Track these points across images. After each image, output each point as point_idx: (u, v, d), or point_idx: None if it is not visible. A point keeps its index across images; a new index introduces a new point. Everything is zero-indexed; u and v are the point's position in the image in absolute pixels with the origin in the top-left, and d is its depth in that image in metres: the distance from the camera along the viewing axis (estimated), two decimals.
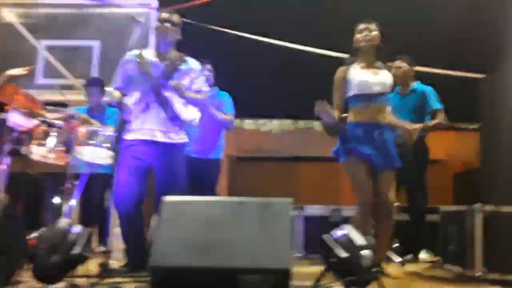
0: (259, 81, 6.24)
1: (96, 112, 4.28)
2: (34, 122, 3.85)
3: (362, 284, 2.14)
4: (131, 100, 2.97)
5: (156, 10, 5.00)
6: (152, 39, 4.97)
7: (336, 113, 2.94)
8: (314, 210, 4.32)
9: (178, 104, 2.95)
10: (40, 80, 5.01)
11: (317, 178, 6.48)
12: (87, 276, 2.29)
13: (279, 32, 5.47)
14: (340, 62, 3.17)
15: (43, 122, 3.85)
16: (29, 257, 2.14)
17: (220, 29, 5.41)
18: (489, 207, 2.87)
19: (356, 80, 2.99)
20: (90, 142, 3.82)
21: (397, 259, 3.58)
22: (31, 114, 3.92)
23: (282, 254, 2.01)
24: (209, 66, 4.00)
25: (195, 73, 3.04)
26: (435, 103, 3.87)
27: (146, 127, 2.91)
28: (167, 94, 2.93)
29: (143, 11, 4.94)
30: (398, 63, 4.02)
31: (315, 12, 5.34)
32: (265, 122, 7.20)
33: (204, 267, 2.01)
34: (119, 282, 2.31)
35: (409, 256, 3.88)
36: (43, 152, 3.85)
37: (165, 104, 2.91)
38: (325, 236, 2.23)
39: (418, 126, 3.70)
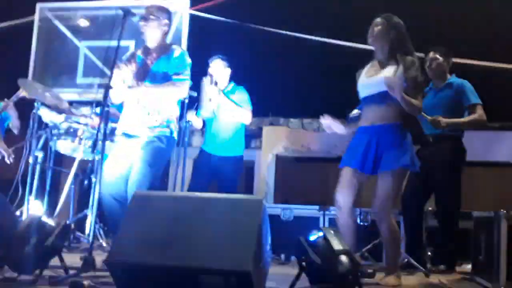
0: (304, 79, 6.11)
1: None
2: (61, 118, 4.02)
3: None
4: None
5: (188, 8, 5.04)
6: (185, 36, 5.03)
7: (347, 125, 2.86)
8: None
9: (157, 98, 2.96)
10: (80, 79, 5.22)
11: None
12: (66, 269, 2.27)
13: (323, 30, 5.30)
14: None
15: (69, 118, 4.01)
16: (4, 247, 2.16)
17: (261, 27, 5.34)
18: None
19: (358, 83, 2.84)
20: (112, 137, 3.92)
21: (421, 268, 3.26)
22: (58, 111, 4.09)
23: (244, 256, 1.86)
24: (217, 62, 3.93)
25: (174, 61, 3.01)
26: (472, 97, 3.49)
27: (125, 120, 2.97)
28: (147, 88, 2.95)
29: (175, 10, 5.00)
30: (432, 54, 3.67)
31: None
32: (311, 121, 7.00)
33: (163, 265, 1.92)
34: (96, 277, 2.27)
35: (441, 267, 3.52)
36: (70, 146, 4.00)
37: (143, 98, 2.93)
38: (301, 238, 2.03)
39: (446, 120, 3.38)
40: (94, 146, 2.63)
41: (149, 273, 1.93)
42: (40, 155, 4.09)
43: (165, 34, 3.11)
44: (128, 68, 2.97)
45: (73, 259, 2.59)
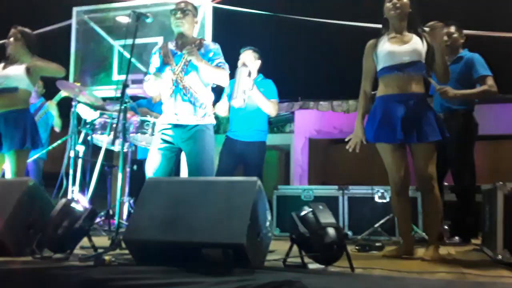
0: (331, 62, 6.20)
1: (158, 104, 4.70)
2: (96, 114, 4.39)
3: (325, 260, 2.12)
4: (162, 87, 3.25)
5: (211, 2, 5.26)
6: (208, 29, 5.26)
7: (360, 117, 2.92)
8: (359, 190, 4.22)
9: (198, 87, 3.16)
10: (115, 76, 5.60)
11: None
12: (95, 247, 2.60)
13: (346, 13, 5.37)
14: None
15: (103, 114, 4.38)
16: (42, 230, 2.51)
17: (286, 15, 5.46)
18: (510, 185, 2.57)
19: (383, 52, 2.85)
20: (143, 130, 4.27)
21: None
22: (94, 108, 4.48)
23: (238, 230, 2.09)
24: (249, 53, 4.09)
25: (213, 53, 3.20)
26: (481, 69, 3.51)
27: (172, 112, 3.17)
28: (188, 79, 3.14)
29: (199, 4, 5.24)
30: (447, 29, 3.70)
31: None
32: (340, 103, 7.10)
33: (170, 240, 2.19)
34: (121, 254, 2.57)
35: (456, 239, 3.62)
36: (106, 140, 4.37)
37: (185, 89, 3.13)
38: (293, 214, 2.24)
39: (454, 91, 3.41)
40: (113, 139, 2.92)
41: (159, 248, 2.21)
42: (81, 149, 4.51)
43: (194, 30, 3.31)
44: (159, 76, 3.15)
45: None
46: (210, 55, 3.20)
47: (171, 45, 3.30)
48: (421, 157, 2.77)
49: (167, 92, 3.22)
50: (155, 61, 3.28)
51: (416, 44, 2.81)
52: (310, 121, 7.60)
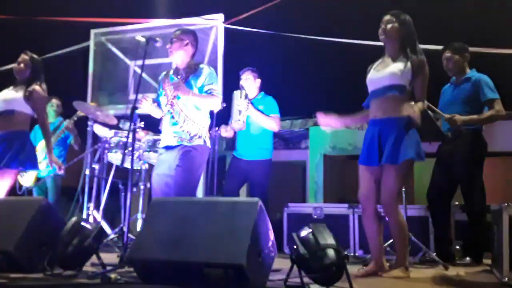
0: (343, 80, 6.23)
1: None
2: (111, 133, 4.51)
3: (324, 281, 2.14)
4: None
5: (222, 23, 5.38)
6: (220, 50, 5.37)
7: (347, 117, 3.08)
8: None
9: (190, 111, 3.27)
10: (132, 95, 5.74)
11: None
12: (103, 265, 2.67)
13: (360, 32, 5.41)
14: None
15: (117, 133, 4.49)
16: (52, 248, 2.59)
17: (296, 35, 5.54)
18: None
19: (368, 78, 2.96)
20: (156, 149, 4.36)
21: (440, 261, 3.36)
22: (109, 127, 4.60)
23: (239, 250, 2.14)
24: (248, 73, 4.20)
25: (205, 78, 3.30)
26: (489, 93, 3.50)
27: (165, 134, 3.30)
28: (180, 103, 3.26)
29: (211, 26, 5.38)
30: (447, 54, 3.71)
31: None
32: None
33: (172, 260, 2.25)
34: (128, 271, 2.64)
35: (467, 259, 3.57)
36: (120, 158, 4.47)
37: (176, 113, 3.26)
38: (293, 234, 2.27)
39: (462, 118, 3.42)
40: (122, 160, 3.01)
41: (163, 267, 2.27)
42: (97, 167, 4.63)
43: (191, 54, 3.40)
44: (149, 101, 3.33)
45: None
46: (202, 79, 3.29)
47: (171, 71, 3.46)
48: (384, 180, 2.82)
49: (163, 115, 3.38)
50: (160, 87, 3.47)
51: (393, 68, 2.85)
52: (325, 137, 7.61)
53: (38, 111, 3.74)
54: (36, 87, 3.69)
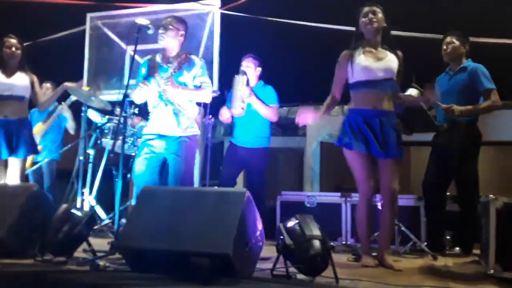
0: None
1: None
2: (105, 119, 4.51)
3: (309, 272, 2.17)
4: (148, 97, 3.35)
5: (219, 8, 5.33)
6: (217, 36, 5.33)
7: (322, 110, 3.07)
8: None
9: (182, 100, 3.27)
10: (126, 81, 5.71)
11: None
12: (94, 252, 2.70)
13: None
14: None
15: (111, 119, 4.49)
16: (43, 234, 2.62)
17: (292, 21, 5.48)
18: (503, 199, 2.56)
19: (358, 66, 2.91)
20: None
21: (428, 251, 3.39)
22: (103, 113, 4.59)
23: (225, 240, 2.16)
24: (250, 61, 4.16)
25: (197, 70, 3.32)
26: (486, 82, 3.47)
27: (157, 122, 3.26)
28: (172, 91, 3.24)
29: (208, 11, 5.33)
30: (448, 39, 3.70)
31: None
32: None
33: (161, 249, 2.27)
34: (119, 258, 2.66)
35: (457, 249, 3.60)
36: (113, 144, 4.48)
37: (169, 101, 3.24)
38: (280, 225, 2.29)
39: (460, 108, 3.39)
40: (113, 145, 3.02)
41: (151, 255, 2.29)
42: (91, 152, 4.64)
43: (181, 43, 3.41)
44: (147, 84, 3.27)
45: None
46: (195, 70, 3.30)
47: (159, 58, 3.41)
48: (389, 172, 2.88)
49: (152, 103, 3.35)
50: (143, 72, 3.41)
51: (390, 62, 2.91)
52: (322, 125, 7.60)
53: (38, 96, 3.79)
54: (36, 81, 3.75)
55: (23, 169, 3.64)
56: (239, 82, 3.91)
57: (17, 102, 3.66)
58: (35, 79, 3.79)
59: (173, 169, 3.18)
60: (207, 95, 3.37)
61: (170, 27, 3.34)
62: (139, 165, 3.22)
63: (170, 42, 3.35)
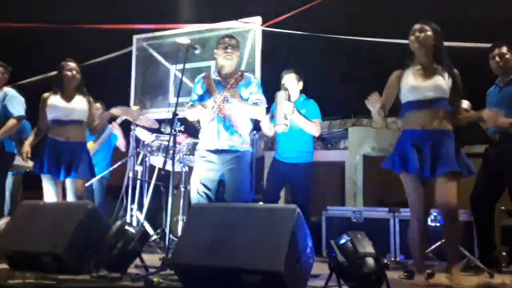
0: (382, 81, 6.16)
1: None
2: (152, 137, 4.64)
3: None
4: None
5: (260, 26, 5.42)
6: (258, 52, 5.41)
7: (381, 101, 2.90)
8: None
9: (237, 116, 3.36)
10: (172, 99, 5.87)
11: None
12: (146, 268, 2.76)
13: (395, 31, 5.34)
14: None
15: (159, 137, 4.61)
16: (98, 251, 2.70)
17: (330, 36, 5.50)
18: None
19: (407, 85, 2.87)
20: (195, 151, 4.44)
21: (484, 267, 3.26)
22: (151, 130, 4.72)
23: (277, 257, 2.16)
24: (291, 75, 4.16)
25: (253, 87, 3.40)
26: None
27: (213, 138, 3.35)
28: (228, 108, 3.32)
29: (249, 28, 5.43)
30: (500, 50, 3.59)
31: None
32: (395, 120, 6.96)
33: (211, 265, 2.29)
34: (171, 274, 2.71)
35: None
36: (161, 160, 4.59)
37: (225, 117, 3.33)
38: (332, 241, 2.27)
39: (505, 120, 3.29)
40: (164, 162, 3.10)
41: (202, 272, 2.32)
42: (139, 169, 4.77)
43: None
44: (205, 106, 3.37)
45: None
46: (251, 88, 3.40)
47: (214, 75, 3.52)
48: (442, 189, 2.78)
49: (208, 118, 3.42)
50: (198, 90, 3.51)
51: (439, 80, 2.82)
52: (364, 138, 7.50)
53: (93, 118, 3.89)
54: (93, 104, 3.87)
55: (81, 190, 3.72)
56: (281, 98, 3.87)
57: (77, 126, 3.74)
58: (91, 99, 3.88)
59: (232, 183, 3.26)
60: (262, 112, 3.46)
61: (236, 48, 3.48)
62: (197, 183, 3.32)
63: (233, 61, 3.46)
